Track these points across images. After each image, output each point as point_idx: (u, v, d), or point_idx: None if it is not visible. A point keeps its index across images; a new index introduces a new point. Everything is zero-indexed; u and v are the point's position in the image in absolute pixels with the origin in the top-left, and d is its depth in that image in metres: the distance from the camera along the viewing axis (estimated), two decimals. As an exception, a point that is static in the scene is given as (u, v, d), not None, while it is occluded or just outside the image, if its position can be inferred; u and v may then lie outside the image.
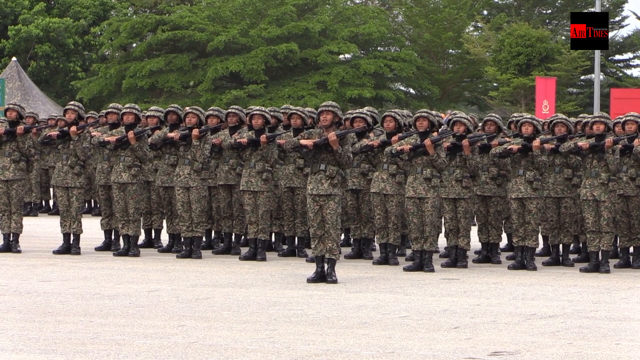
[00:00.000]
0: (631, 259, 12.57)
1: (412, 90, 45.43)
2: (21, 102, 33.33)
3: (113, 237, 13.87)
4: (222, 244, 14.02)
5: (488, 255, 13.12)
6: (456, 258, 12.50)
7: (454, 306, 9.46)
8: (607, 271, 11.85)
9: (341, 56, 42.77)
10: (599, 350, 6.85)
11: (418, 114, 12.14)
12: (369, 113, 13.36)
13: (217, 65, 40.51)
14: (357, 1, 50.90)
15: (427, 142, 11.30)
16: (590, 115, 14.57)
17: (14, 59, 36.63)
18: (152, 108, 14.61)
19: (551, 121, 13.20)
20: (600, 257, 12.05)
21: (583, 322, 8.39)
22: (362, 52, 43.23)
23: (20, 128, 13.41)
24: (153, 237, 14.42)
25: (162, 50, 42.72)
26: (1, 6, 42.88)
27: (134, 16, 45.76)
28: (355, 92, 39.92)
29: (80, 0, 45.37)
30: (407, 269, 11.96)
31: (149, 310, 8.97)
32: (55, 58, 42.66)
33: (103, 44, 45.28)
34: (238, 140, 12.50)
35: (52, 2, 44.92)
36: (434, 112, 13.59)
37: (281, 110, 13.95)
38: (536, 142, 11.88)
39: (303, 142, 10.65)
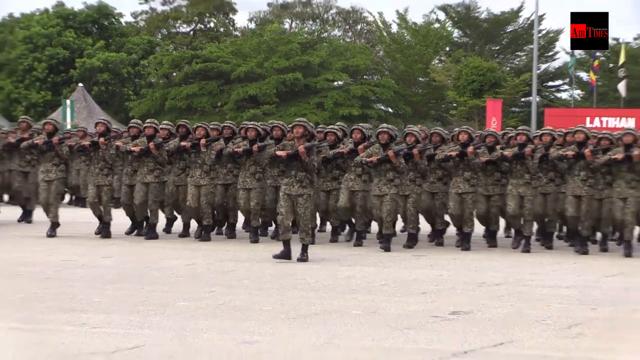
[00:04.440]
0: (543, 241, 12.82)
1: (390, 109, 44.62)
2: (86, 118, 32.37)
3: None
4: (225, 230, 13.55)
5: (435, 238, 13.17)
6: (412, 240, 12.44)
7: (422, 276, 9.35)
8: (528, 251, 11.41)
9: (335, 83, 41.87)
10: (534, 310, 6.95)
11: (379, 129, 11.84)
12: (338, 127, 13.12)
13: (239, 90, 39.86)
14: (348, 40, 49.93)
15: (390, 153, 11.05)
16: (514, 129, 13.98)
17: (80, 85, 36.17)
18: (164, 122, 13.96)
19: (481, 133, 13.10)
20: (525, 237, 11.56)
21: (522, 288, 8.46)
22: (352, 79, 42.34)
23: (55, 139, 13.40)
24: (166, 224, 13.72)
25: (196, 78, 41.95)
26: (70, 43, 42.43)
27: (174, 51, 45.05)
28: (346, 111, 39.41)
29: (132, 38, 44.85)
30: (382, 248, 11.56)
31: (186, 279, 8.87)
32: (113, 84, 42.12)
33: (150, 74, 44.73)
34: (235, 150, 12.09)
35: (110, 40, 43.95)
36: (392, 126, 12.66)
37: (268, 125, 13.21)
38: (470, 149, 11.67)
39: (278, 152, 10.36)
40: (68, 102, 30.59)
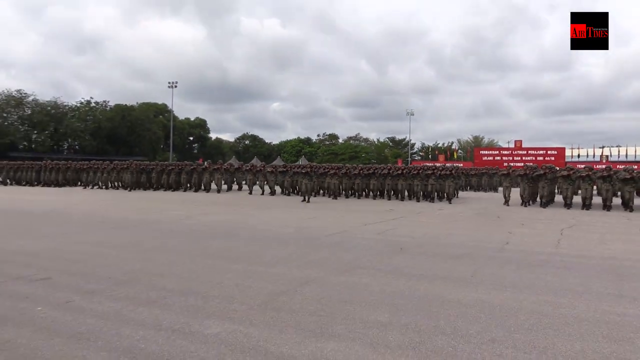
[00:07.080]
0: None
1: (375, 161, 51.50)
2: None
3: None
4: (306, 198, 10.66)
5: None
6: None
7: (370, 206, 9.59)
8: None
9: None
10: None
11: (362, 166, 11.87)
12: (359, 166, 12.27)
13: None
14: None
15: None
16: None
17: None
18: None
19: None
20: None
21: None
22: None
23: (210, 167, 13.86)
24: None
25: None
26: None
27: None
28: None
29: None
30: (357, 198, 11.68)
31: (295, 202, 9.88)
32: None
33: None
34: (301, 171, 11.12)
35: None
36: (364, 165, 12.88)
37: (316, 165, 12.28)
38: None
39: (302, 171, 11.55)
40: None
